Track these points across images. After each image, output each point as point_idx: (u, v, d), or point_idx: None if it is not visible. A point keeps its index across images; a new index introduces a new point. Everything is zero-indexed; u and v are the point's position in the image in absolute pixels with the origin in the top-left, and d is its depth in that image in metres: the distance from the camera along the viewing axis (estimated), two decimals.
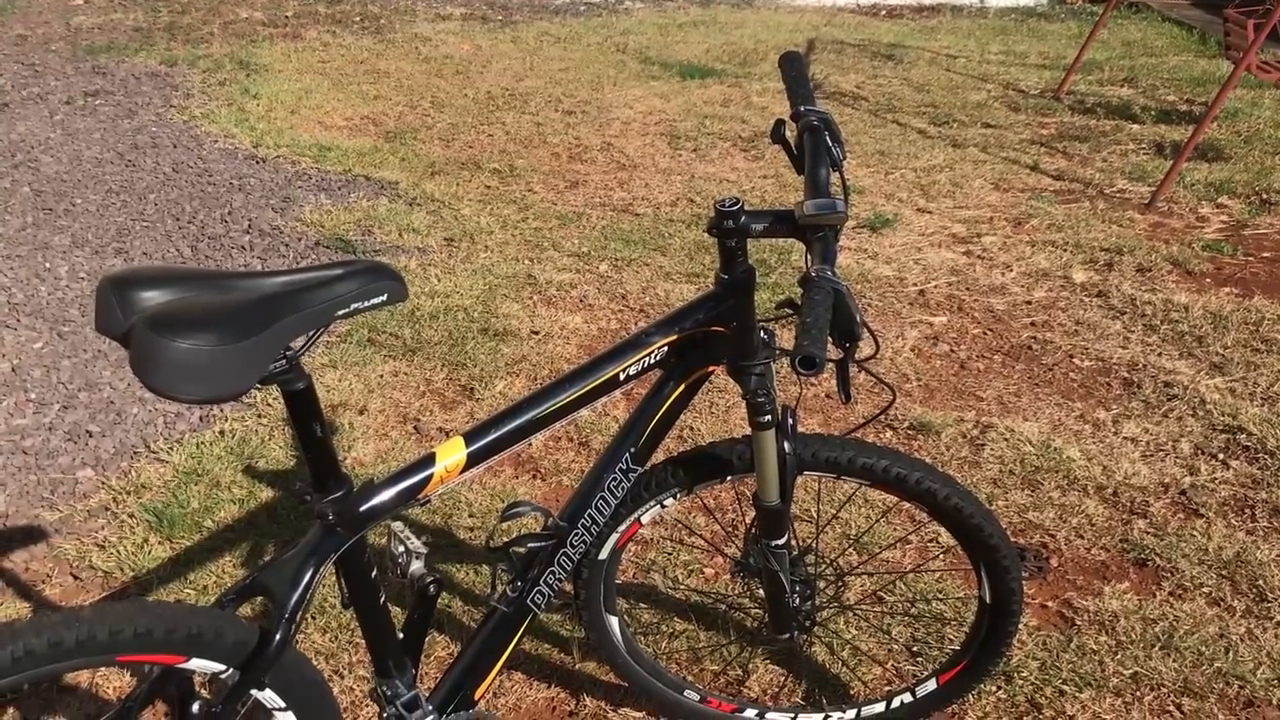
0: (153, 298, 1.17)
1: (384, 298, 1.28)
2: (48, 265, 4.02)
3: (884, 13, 9.67)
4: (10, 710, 2.12)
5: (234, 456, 2.93)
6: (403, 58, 7.41)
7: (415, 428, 3.09)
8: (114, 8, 8.69)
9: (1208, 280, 4.01)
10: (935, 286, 3.99)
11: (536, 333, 3.62)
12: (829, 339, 1.24)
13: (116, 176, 4.92)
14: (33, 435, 3.01)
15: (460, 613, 2.40)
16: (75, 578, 2.52)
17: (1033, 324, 3.71)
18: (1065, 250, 4.28)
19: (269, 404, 3.17)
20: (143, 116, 5.84)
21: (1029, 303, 3.86)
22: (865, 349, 1.34)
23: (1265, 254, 4.24)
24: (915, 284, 4.01)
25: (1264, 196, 4.81)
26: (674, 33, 8.55)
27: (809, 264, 1.37)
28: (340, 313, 1.25)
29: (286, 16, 8.55)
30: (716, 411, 3.15)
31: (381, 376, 3.34)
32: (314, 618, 2.34)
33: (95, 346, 3.45)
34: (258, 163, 5.17)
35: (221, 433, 3.05)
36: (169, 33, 7.87)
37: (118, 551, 2.57)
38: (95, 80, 6.50)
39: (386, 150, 5.45)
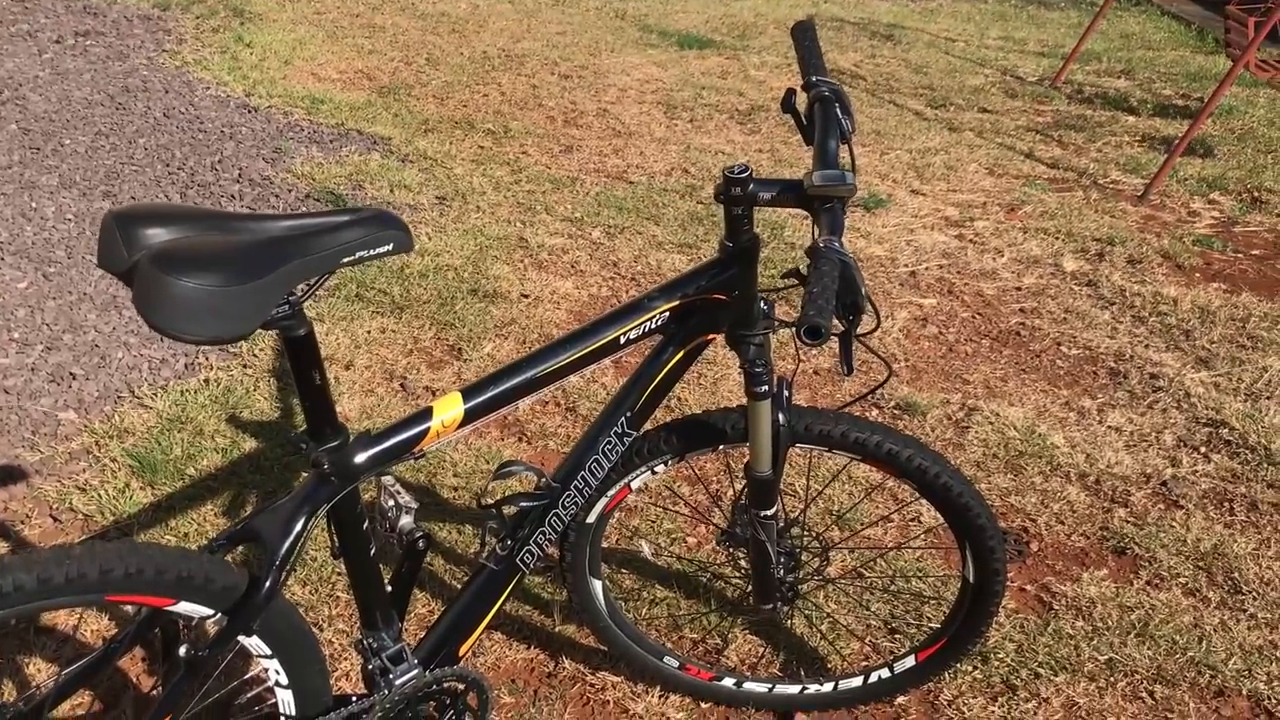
0: (158, 235, 1.15)
1: (390, 247, 1.27)
2: (34, 205, 3.97)
3: None
4: None
5: (218, 405, 2.92)
6: (399, 12, 7.33)
7: (402, 385, 3.08)
8: None
9: (1197, 275, 4.03)
10: (926, 268, 3.99)
11: (526, 296, 3.61)
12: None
13: (106, 119, 4.86)
14: (15, 375, 2.98)
15: (442, 571, 2.40)
16: (55, 519, 2.50)
17: (1022, 310, 3.72)
18: (1057, 238, 4.28)
19: (254, 354, 3.15)
20: (134, 59, 5.75)
21: (1019, 289, 3.87)
22: (866, 323, 1.34)
23: (1255, 251, 4.26)
24: (906, 265, 4.01)
25: (1255, 194, 4.82)
26: (674, 1, 8.48)
27: (816, 235, 1.36)
28: (345, 260, 1.23)
29: None
30: (705, 383, 3.15)
31: (369, 332, 3.32)
32: (295, 569, 2.33)
33: (80, 289, 3.42)
34: (249, 112, 5.11)
35: (206, 381, 3.03)
36: None
37: (99, 495, 2.55)
38: (86, 20, 6.40)
39: (380, 105, 5.39)
